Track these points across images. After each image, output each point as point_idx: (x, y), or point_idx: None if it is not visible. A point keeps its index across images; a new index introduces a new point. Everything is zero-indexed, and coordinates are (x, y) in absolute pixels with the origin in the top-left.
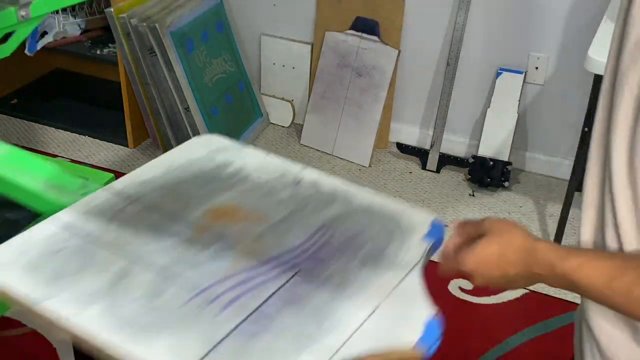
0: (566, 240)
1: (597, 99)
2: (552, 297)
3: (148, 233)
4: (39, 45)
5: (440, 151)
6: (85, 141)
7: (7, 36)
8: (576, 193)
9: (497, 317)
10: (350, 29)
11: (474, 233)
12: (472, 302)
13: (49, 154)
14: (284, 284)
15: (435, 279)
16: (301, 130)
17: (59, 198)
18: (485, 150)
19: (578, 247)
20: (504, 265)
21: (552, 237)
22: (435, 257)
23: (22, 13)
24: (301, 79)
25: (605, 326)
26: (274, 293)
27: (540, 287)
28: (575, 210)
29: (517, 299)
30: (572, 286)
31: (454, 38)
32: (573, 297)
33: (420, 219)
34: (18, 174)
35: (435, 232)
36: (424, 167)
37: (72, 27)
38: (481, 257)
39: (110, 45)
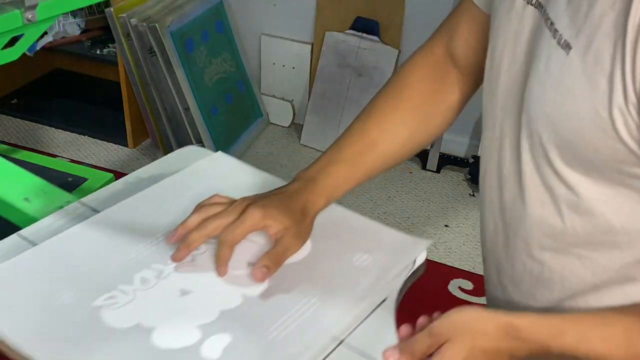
0: None
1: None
2: None
3: None
4: (39, 45)
5: (440, 151)
6: (85, 141)
7: (14, 40)
8: None
9: None
10: (350, 29)
11: (430, 349)
12: (472, 303)
13: (49, 154)
14: None
15: (435, 278)
16: (301, 130)
17: (30, 212)
18: None
19: (556, 309)
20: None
21: None
22: (437, 257)
23: (29, 16)
24: (301, 79)
25: None
26: None
27: None
28: None
29: None
30: (574, 358)
31: None
32: None
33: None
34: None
35: None
36: (424, 167)
37: (71, 27)
38: None
39: (110, 45)
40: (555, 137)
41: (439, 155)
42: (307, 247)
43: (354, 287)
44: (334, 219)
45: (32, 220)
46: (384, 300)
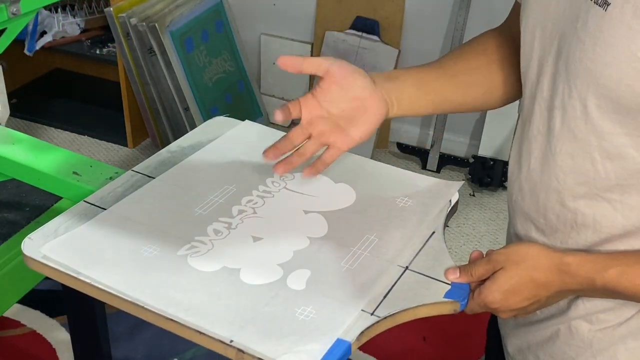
0: None
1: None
2: None
3: None
4: (38, 45)
5: (441, 151)
6: (84, 141)
7: None
8: None
9: None
10: (350, 28)
11: (487, 273)
12: None
13: None
14: None
15: None
16: None
17: (84, 184)
18: (486, 150)
19: (599, 249)
20: (536, 291)
21: None
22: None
23: (13, 10)
24: (301, 79)
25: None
26: None
27: None
28: None
29: None
30: (614, 295)
31: (454, 38)
32: None
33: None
34: (41, 161)
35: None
36: (424, 167)
37: (71, 27)
38: (506, 289)
39: (109, 44)
40: (596, 87)
41: (439, 155)
42: (352, 195)
43: (403, 224)
44: (369, 170)
45: (85, 192)
46: (433, 233)
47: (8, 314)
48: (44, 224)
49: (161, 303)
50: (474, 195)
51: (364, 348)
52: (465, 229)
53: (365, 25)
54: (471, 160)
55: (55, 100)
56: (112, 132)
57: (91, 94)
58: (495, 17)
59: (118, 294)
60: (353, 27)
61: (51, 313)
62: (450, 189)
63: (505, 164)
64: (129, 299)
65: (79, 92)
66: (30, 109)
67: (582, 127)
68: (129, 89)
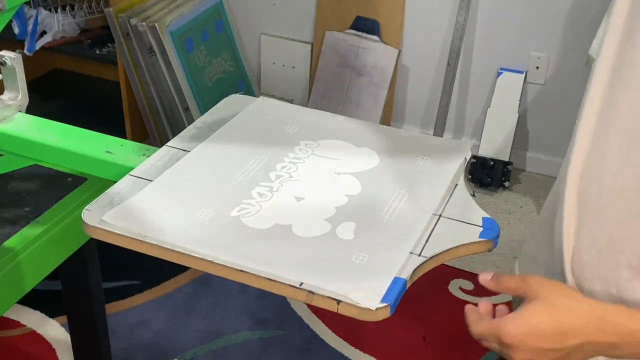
0: None
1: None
2: None
3: None
4: (38, 45)
5: None
6: None
7: None
8: None
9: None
10: (350, 28)
11: (515, 289)
12: (472, 303)
13: None
14: None
15: (435, 279)
16: None
17: (120, 162)
18: (486, 150)
19: None
20: (561, 337)
21: None
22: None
23: None
24: (301, 79)
25: None
26: None
27: None
28: None
29: None
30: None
31: (454, 38)
32: None
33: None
34: (72, 143)
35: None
36: None
37: (71, 27)
38: (530, 325)
39: (109, 44)
40: None
41: None
42: (376, 157)
43: (428, 178)
44: (387, 135)
45: (122, 169)
46: (456, 186)
47: (8, 314)
48: (44, 223)
49: (230, 256)
50: (474, 196)
51: (364, 348)
52: None
53: (365, 25)
54: (471, 160)
55: (55, 100)
56: (112, 132)
57: (91, 94)
58: (496, 17)
59: (187, 252)
60: (353, 27)
61: (51, 313)
62: (463, 146)
63: (506, 164)
64: (199, 256)
65: (79, 92)
66: (29, 108)
67: None
68: (128, 88)
